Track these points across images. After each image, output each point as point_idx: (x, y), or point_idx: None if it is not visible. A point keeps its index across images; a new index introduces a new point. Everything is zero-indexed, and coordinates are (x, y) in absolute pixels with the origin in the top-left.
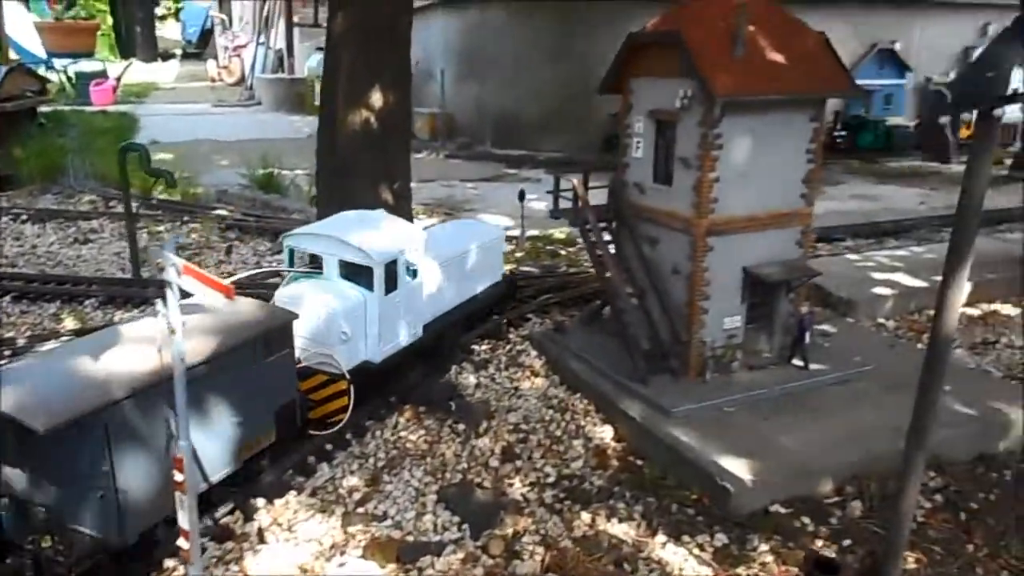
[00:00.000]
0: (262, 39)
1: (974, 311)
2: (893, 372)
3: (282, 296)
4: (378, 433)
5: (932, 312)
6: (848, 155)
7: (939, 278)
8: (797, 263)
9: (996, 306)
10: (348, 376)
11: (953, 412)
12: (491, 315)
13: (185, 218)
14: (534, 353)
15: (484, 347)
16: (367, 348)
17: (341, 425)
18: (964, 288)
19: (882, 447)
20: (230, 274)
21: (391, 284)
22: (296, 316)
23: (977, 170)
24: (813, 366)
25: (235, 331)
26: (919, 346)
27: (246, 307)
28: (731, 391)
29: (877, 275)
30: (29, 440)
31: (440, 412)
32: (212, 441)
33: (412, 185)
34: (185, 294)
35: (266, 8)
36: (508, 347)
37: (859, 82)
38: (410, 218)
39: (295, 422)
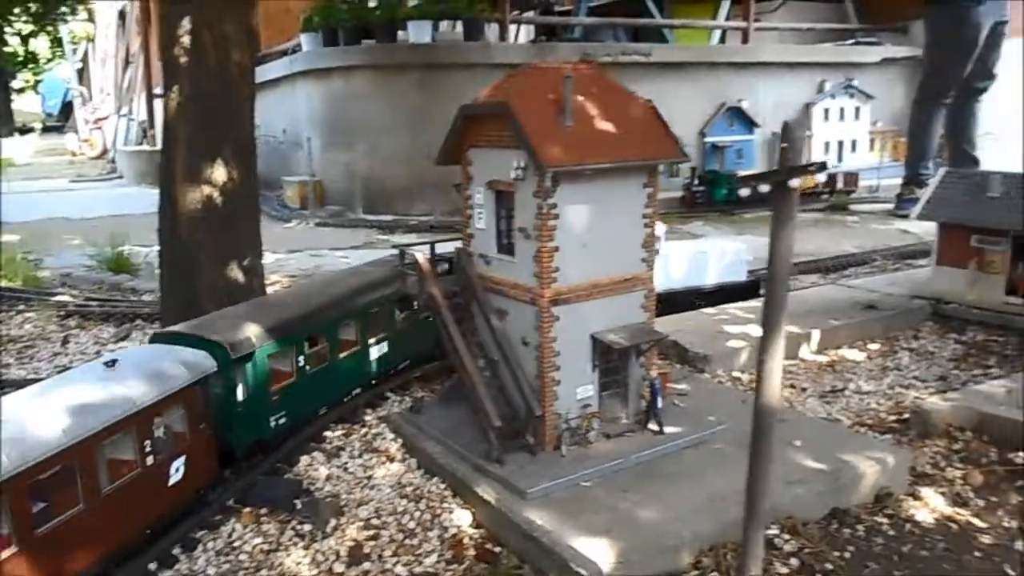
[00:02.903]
0: (124, 110)
1: (823, 358)
2: (745, 429)
3: None
4: (210, 544)
5: (784, 361)
6: (707, 208)
7: (791, 327)
8: (643, 327)
9: (843, 351)
10: None
11: (804, 468)
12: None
13: (20, 307)
14: (390, 436)
15: (338, 433)
16: None
17: None
18: (780, 360)
19: (736, 512)
20: (65, 368)
21: None
22: None
23: (779, 242)
24: (668, 429)
25: None
26: None
27: None
28: (589, 464)
29: (731, 328)
30: None
31: (283, 513)
32: None
33: (279, 257)
34: None
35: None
36: (364, 431)
37: (711, 139)
38: (262, 293)
39: None
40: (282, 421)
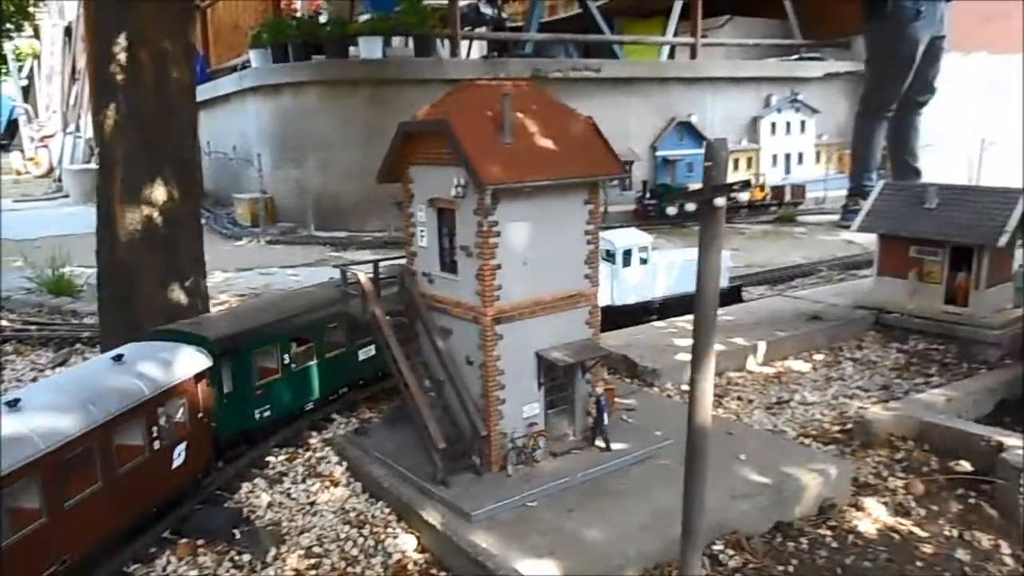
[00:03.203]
0: (71, 128)
1: (769, 370)
2: None
3: None
4: None
5: (732, 373)
6: (659, 221)
7: (738, 340)
8: (588, 343)
9: (789, 362)
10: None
11: (749, 482)
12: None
13: None
14: (335, 459)
15: (282, 458)
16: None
17: None
18: (712, 380)
19: (678, 530)
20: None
21: (627, 262)
22: None
23: (707, 262)
24: (615, 446)
25: None
26: (718, 412)
27: None
28: (535, 483)
29: (680, 341)
30: None
31: (221, 543)
32: None
33: (228, 275)
34: None
35: (74, 95)
36: (308, 455)
37: (662, 153)
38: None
39: None
40: (267, 414)
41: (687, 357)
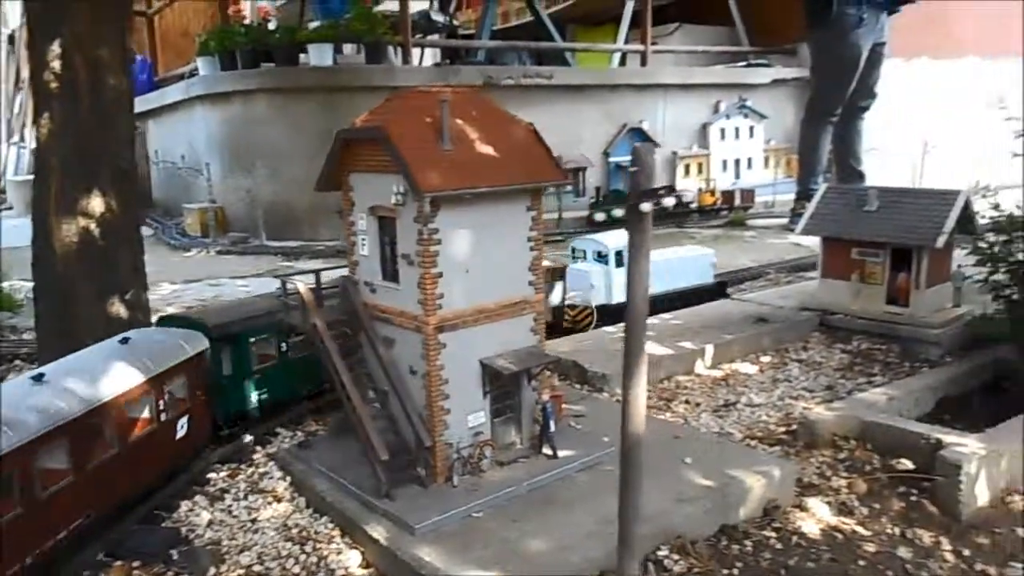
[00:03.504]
0: (14, 138)
1: (717, 372)
2: None
3: (572, 267)
4: None
5: (681, 377)
6: (611, 226)
7: (686, 344)
8: (533, 350)
9: (737, 365)
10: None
11: (694, 486)
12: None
13: None
14: (278, 474)
15: (223, 474)
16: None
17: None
18: (644, 386)
19: None
20: None
21: (619, 263)
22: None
23: (636, 268)
24: (562, 453)
25: None
26: (665, 416)
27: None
28: (481, 494)
29: None
30: None
31: (158, 564)
32: None
33: (175, 287)
34: None
35: (17, 104)
36: (251, 470)
37: (615, 159)
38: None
39: None
40: (263, 397)
41: None
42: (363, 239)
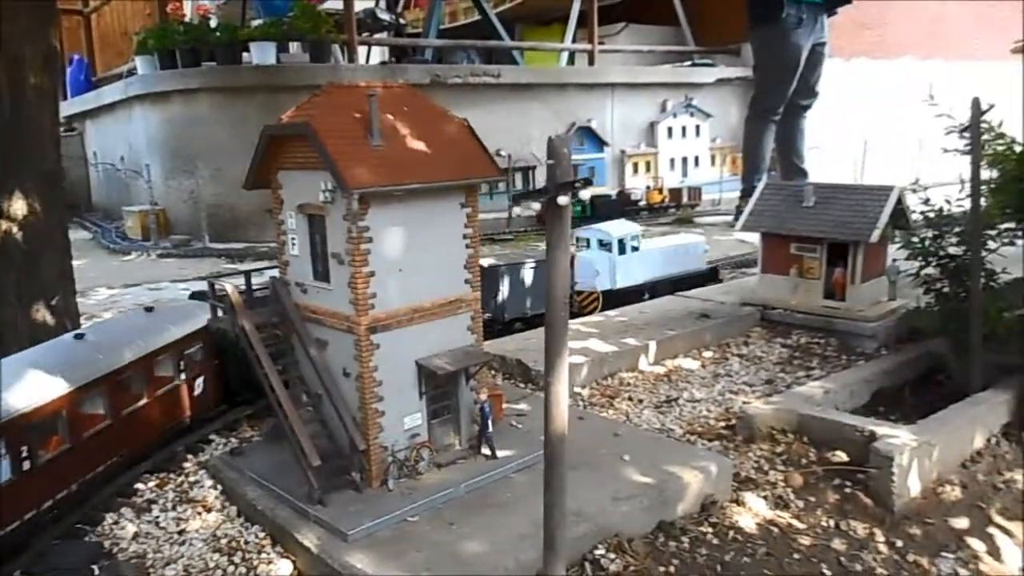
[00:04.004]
0: None
1: (660, 369)
2: (578, 448)
3: (578, 256)
4: None
5: (624, 374)
6: None
7: (630, 340)
8: (470, 350)
9: (679, 361)
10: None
11: (631, 483)
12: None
13: None
14: (209, 483)
15: (151, 484)
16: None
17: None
18: (566, 383)
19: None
20: None
21: (622, 250)
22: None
23: (555, 262)
24: (502, 453)
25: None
26: (608, 413)
27: None
28: (417, 497)
29: (574, 344)
30: None
31: None
32: None
33: (113, 292)
34: None
35: None
36: (180, 480)
37: None
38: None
39: None
40: None
41: (580, 359)
42: (293, 238)
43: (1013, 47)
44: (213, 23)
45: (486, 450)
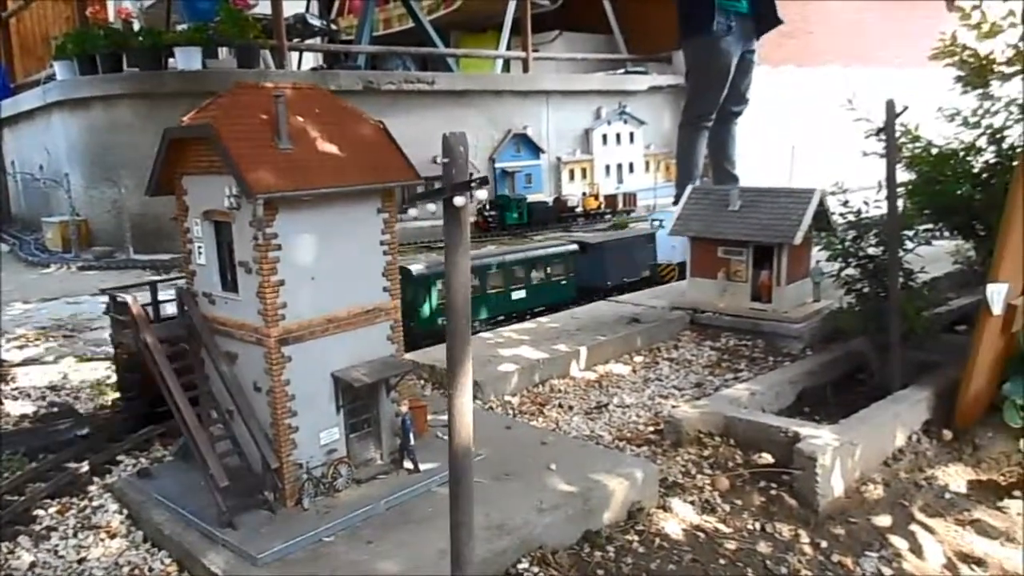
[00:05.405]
0: None
1: (591, 374)
2: (504, 458)
3: (659, 233)
4: None
5: (555, 381)
6: (499, 232)
7: (561, 346)
8: (390, 360)
9: (611, 366)
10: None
11: (556, 493)
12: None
13: None
14: (114, 507)
15: (52, 510)
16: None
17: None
18: (470, 395)
19: (482, 549)
20: None
21: None
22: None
23: (455, 267)
24: (425, 466)
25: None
26: (538, 421)
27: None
28: (334, 515)
29: (505, 351)
30: None
31: None
32: None
33: (29, 307)
34: None
35: None
36: (84, 504)
37: (500, 164)
38: None
39: None
40: (444, 323)
41: (510, 367)
42: (199, 247)
43: (931, 54)
44: (137, 27)
45: (409, 464)
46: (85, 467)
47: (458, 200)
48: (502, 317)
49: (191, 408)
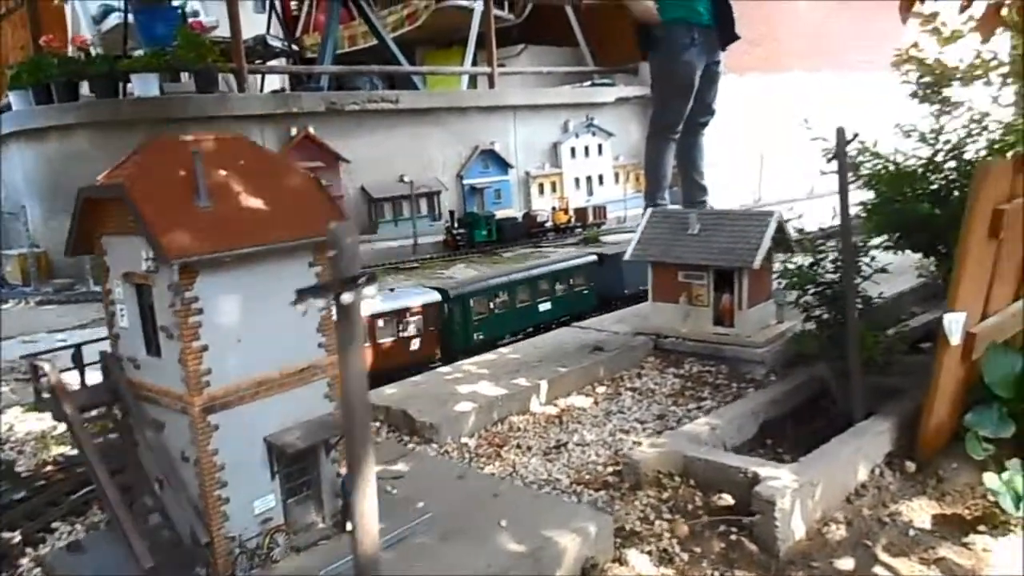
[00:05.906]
0: None
1: (552, 409)
2: (453, 513)
3: None
4: None
5: (514, 418)
6: (468, 249)
7: (521, 380)
8: (326, 420)
9: (572, 399)
10: None
11: (506, 553)
12: None
13: None
14: None
15: None
16: None
17: None
18: (375, 510)
19: None
20: None
21: None
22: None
23: (350, 370)
24: None
25: None
26: (494, 465)
27: None
28: None
29: (463, 388)
30: None
31: None
32: None
33: None
34: None
35: None
36: None
37: (468, 181)
38: None
39: None
40: (480, 337)
41: (468, 406)
42: (122, 309)
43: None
44: (94, 53)
45: (351, 526)
46: (17, 537)
47: (345, 297)
48: (531, 329)
49: (112, 483)
